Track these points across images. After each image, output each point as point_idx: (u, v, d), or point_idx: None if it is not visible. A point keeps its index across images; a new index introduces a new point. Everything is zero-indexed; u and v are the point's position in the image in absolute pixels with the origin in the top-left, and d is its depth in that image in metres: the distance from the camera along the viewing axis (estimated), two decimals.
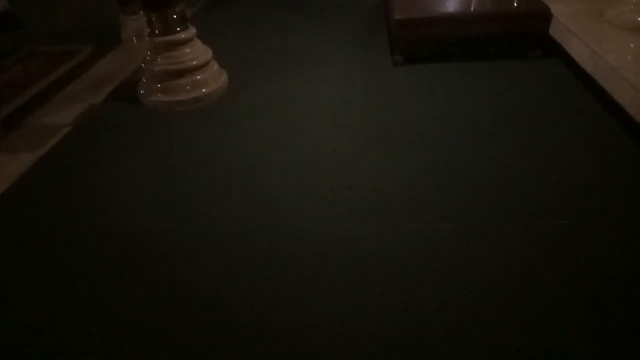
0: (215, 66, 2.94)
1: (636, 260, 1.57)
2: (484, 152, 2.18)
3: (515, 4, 3.16)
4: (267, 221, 1.88)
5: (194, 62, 2.77)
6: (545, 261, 1.59)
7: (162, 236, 1.85)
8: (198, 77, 2.80)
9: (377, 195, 1.96)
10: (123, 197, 2.10)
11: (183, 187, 2.13)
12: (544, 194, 1.89)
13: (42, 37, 3.86)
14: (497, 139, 2.26)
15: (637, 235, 1.67)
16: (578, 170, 2.01)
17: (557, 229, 1.71)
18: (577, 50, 2.65)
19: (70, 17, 3.94)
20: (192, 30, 2.83)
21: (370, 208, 1.90)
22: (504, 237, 1.71)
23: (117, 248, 1.81)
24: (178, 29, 2.75)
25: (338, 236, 1.77)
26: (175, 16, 2.73)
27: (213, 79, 2.87)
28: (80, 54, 3.81)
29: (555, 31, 2.92)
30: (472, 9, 3.18)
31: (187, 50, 2.77)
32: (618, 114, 2.26)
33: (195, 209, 1.99)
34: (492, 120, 2.42)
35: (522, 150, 2.17)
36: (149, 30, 2.79)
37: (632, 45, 2.50)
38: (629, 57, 2.41)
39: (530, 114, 2.44)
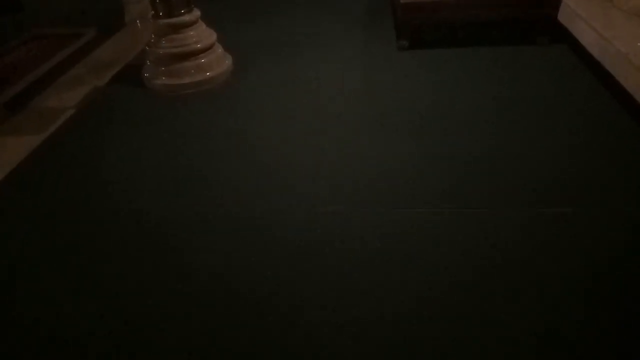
0: (219, 49, 2.92)
1: (637, 249, 1.57)
2: (489, 138, 2.17)
3: None
4: (267, 205, 1.88)
5: (199, 45, 2.75)
6: (546, 248, 1.59)
7: (163, 217, 1.86)
8: (202, 60, 2.78)
9: (379, 179, 1.96)
10: (126, 179, 2.10)
11: (186, 170, 2.13)
12: (548, 181, 1.88)
13: (45, 20, 3.84)
14: (501, 126, 2.25)
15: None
16: (584, 158, 1.99)
17: (561, 217, 1.70)
18: (585, 36, 2.62)
19: (73, 0, 3.92)
20: (197, 13, 2.80)
21: (373, 192, 1.89)
22: (506, 223, 1.70)
23: (118, 229, 1.82)
24: (182, 11, 2.73)
25: (341, 221, 1.77)
26: None
27: (217, 63, 2.85)
28: (84, 37, 3.79)
29: (563, 17, 2.88)
30: None
31: (192, 33, 2.75)
32: (626, 101, 2.24)
33: (198, 191, 1.99)
34: (497, 107, 2.40)
35: (526, 138, 2.15)
36: (152, 12, 2.77)
37: None
38: (638, 44, 2.38)
39: (536, 102, 2.42)
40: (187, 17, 2.73)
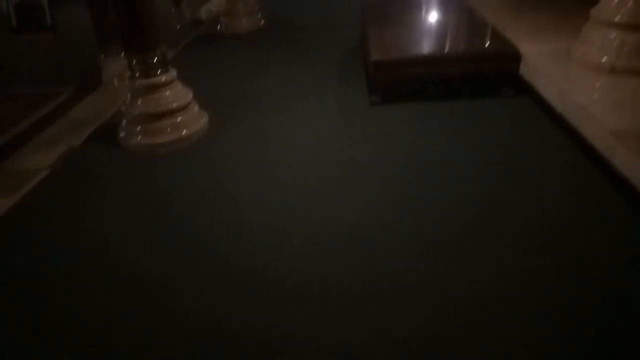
0: (195, 107, 2.97)
1: (615, 300, 1.60)
2: (461, 189, 2.22)
3: (487, 45, 3.28)
4: (248, 260, 1.87)
5: (175, 105, 2.80)
6: (526, 300, 1.60)
7: (140, 278, 1.83)
8: (178, 119, 2.82)
9: (354, 234, 1.97)
10: (100, 243, 2.07)
11: (162, 230, 2.11)
12: (521, 232, 1.92)
13: (22, 79, 3.88)
14: (473, 177, 2.31)
15: (613, 275, 1.70)
16: (556, 209, 2.05)
17: (538, 268, 1.73)
18: (546, 89, 2.75)
19: (51, 59, 3.98)
20: (173, 73, 2.86)
21: (349, 246, 1.90)
22: (483, 275, 1.72)
23: (95, 289, 1.78)
24: (159, 71, 2.79)
25: (319, 274, 1.77)
26: (155, 59, 2.76)
27: (193, 121, 2.89)
28: (60, 96, 3.82)
29: (525, 71, 3.03)
30: (446, 50, 3.30)
31: (168, 93, 2.80)
32: (588, 151, 2.33)
33: (173, 253, 1.97)
34: (467, 158, 2.47)
35: (499, 189, 2.21)
36: (129, 73, 2.82)
37: (598, 85, 2.61)
38: (596, 96, 2.52)
39: (505, 153, 2.50)
40: (163, 78, 2.78)
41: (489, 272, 1.74)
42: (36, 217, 2.31)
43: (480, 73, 3.11)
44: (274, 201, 2.26)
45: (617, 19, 2.60)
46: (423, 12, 4.48)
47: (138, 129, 2.79)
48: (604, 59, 2.65)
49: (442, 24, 4.01)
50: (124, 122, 2.89)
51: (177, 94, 2.85)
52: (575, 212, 2.02)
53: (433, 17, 4.26)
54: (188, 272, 1.86)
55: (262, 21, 5.40)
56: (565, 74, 2.73)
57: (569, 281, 1.67)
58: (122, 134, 2.86)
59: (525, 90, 3.04)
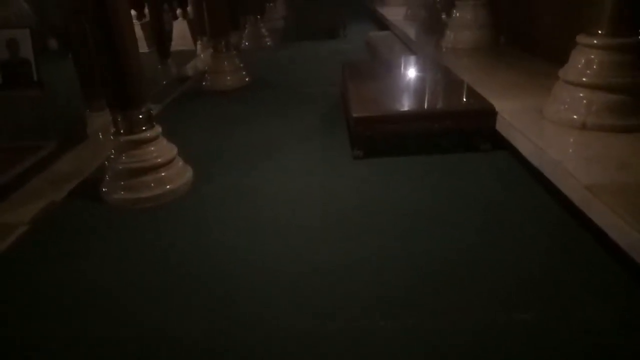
0: (180, 162, 2.99)
1: (599, 357, 1.60)
2: (441, 243, 2.24)
3: (464, 102, 3.42)
4: (226, 321, 1.83)
5: (159, 160, 2.82)
6: (507, 356, 1.59)
7: (116, 344, 1.76)
8: (162, 174, 2.83)
9: (339, 288, 1.96)
10: (79, 303, 2.01)
11: (144, 291, 2.07)
12: (501, 287, 1.93)
13: (5, 133, 3.87)
14: (454, 232, 2.34)
15: (598, 331, 1.71)
16: (536, 263, 2.07)
17: (518, 324, 1.73)
18: (522, 145, 2.86)
19: (36, 114, 3.99)
20: (158, 129, 2.90)
21: (332, 301, 1.88)
22: (464, 331, 1.71)
23: (70, 354, 1.71)
24: (143, 128, 2.82)
25: (303, 334, 1.73)
26: (140, 116, 2.81)
27: (178, 176, 2.90)
28: (42, 149, 3.81)
29: (501, 127, 3.15)
30: (424, 107, 3.42)
31: (152, 149, 2.83)
32: (565, 205, 2.39)
33: (157, 313, 1.92)
34: (447, 212, 2.51)
35: (478, 242, 2.24)
36: (114, 129, 2.85)
37: (570, 140, 2.72)
38: (570, 151, 2.62)
39: (485, 206, 2.55)
40: (148, 134, 2.82)
41: (470, 327, 1.73)
42: (13, 273, 2.24)
43: (458, 129, 3.22)
44: (256, 257, 2.24)
45: (583, 79, 2.75)
46: (401, 70, 4.69)
47: (121, 184, 2.79)
48: (574, 117, 2.77)
49: (420, 81, 4.19)
50: (107, 177, 2.88)
51: (161, 150, 2.87)
52: (556, 266, 2.05)
53: (411, 75, 4.45)
54: (169, 327, 1.82)
55: (247, 78, 5.56)
56: (539, 130, 2.85)
57: (551, 337, 1.67)
58: (104, 189, 2.85)
59: (502, 145, 3.15)
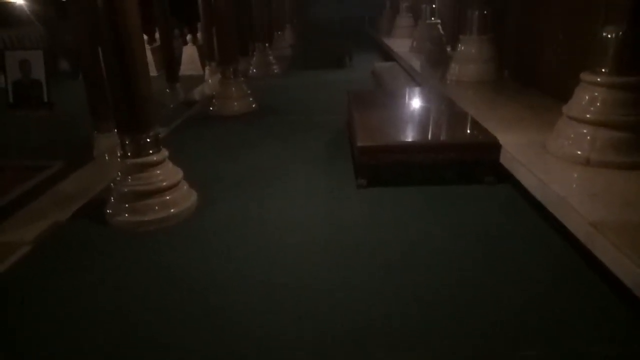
0: (185, 186, 3.00)
1: None
2: (445, 277, 2.23)
3: (468, 135, 3.45)
4: (225, 351, 1.81)
5: (164, 183, 2.83)
6: None
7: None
8: (167, 197, 2.84)
9: (342, 320, 1.94)
10: (78, 323, 2.00)
11: (144, 314, 2.05)
12: (506, 322, 1.91)
13: (14, 153, 3.91)
14: (458, 264, 2.33)
15: None
16: (538, 298, 2.06)
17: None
18: (526, 179, 2.87)
19: (45, 134, 4.05)
20: (164, 153, 2.93)
21: (338, 335, 1.86)
22: None
23: None
24: (150, 151, 2.85)
25: None
26: (148, 140, 2.84)
27: (182, 199, 2.92)
28: (48, 169, 3.84)
29: (505, 160, 3.16)
30: (428, 138, 3.45)
31: (158, 172, 2.85)
32: (569, 240, 2.39)
33: (158, 336, 1.90)
34: (451, 245, 2.51)
35: (482, 277, 2.22)
36: (121, 151, 2.88)
37: (575, 176, 2.73)
38: (574, 187, 2.62)
39: (488, 240, 2.54)
40: (154, 157, 2.84)
41: None
42: (13, 294, 2.23)
43: (462, 161, 3.24)
44: (257, 285, 2.23)
45: (587, 116, 2.78)
46: (406, 101, 4.75)
47: (126, 206, 2.80)
48: (578, 152, 2.79)
49: (425, 112, 4.24)
50: (112, 199, 2.89)
51: (167, 173, 2.89)
52: (560, 302, 2.03)
53: (416, 106, 4.50)
54: (171, 347, 1.79)
55: (254, 105, 5.63)
56: (543, 164, 2.86)
57: None
58: (109, 211, 2.86)
59: (506, 178, 3.16)
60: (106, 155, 4.09)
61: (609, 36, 2.72)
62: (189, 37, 10.15)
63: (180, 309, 2.08)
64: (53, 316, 2.07)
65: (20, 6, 10.00)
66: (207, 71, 8.84)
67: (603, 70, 2.77)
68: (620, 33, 2.68)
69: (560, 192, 2.51)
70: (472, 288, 2.14)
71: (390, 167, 3.30)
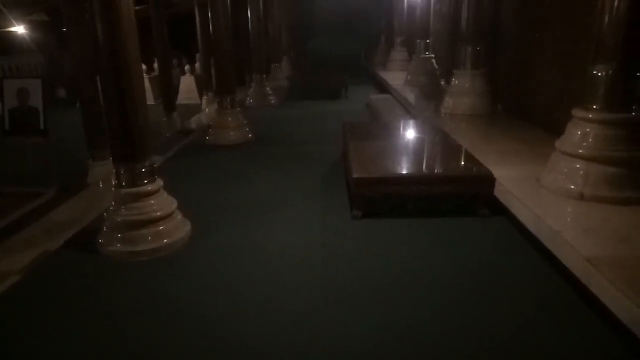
0: (179, 217, 2.98)
1: None
2: (440, 310, 2.20)
3: (462, 168, 3.48)
4: None
5: (158, 213, 2.81)
6: None
7: None
8: (161, 227, 2.81)
9: (335, 350, 1.90)
10: (70, 356, 1.95)
11: (135, 347, 2.00)
12: (498, 356, 1.88)
13: (7, 179, 3.89)
14: (451, 297, 2.30)
15: None
16: (530, 336, 2.02)
17: None
18: (520, 212, 2.87)
19: (40, 161, 4.04)
20: (159, 183, 2.92)
21: None
22: None
23: None
24: (145, 181, 2.84)
25: None
26: (144, 169, 2.83)
27: (176, 230, 2.89)
28: (41, 197, 3.82)
29: (499, 193, 3.18)
30: (423, 170, 3.47)
31: (152, 202, 2.83)
32: (564, 274, 2.38)
33: None
34: (443, 279, 2.48)
35: (476, 311, 2.20)
36: (116, 181, 2.86)
37: (569, 210, 2.74)
38: (568, 220, 2.63)
39: (482, 274, 2.52)
40: (149, 187, 2.83)
41: None
42: (0, 325, 2.18)
43: (457, 193, 3.25)
44: (250, 319, 2.19)
45: (580, 151, 2.81)
46: (401, 133, 4.79)
47: (118, 236, 2.77)
48: (572, 187, 2.81)
49: (420, 145, 4.28)
50: (104, 228, 2.86)
51: (161, 203, 2.88)
52: (554, 339, 2.00)
53: (411, 138, 4.55)
54: None
55: (250, 135, 5.67)
56: (538, 198, 2.87)
57: None
58: (101, 240, 2.82)
59: (500, 211, 3.16)
60: (100, 183, 4.07)
61: (599, 74, 2.78)
62: (187, 66, 10.30)
63: (173, 341, 2.03)
64: (41, 347, 2.02)
65: (21, 35, 10.15)
66: (204, 100, 8.93)
67: (594, 106, 2.82)
68: (611, 71, 2.74)
69: (554, 226, 2.51)
70: (465, 320, 2.11)
71: (385, 199, 3.30)
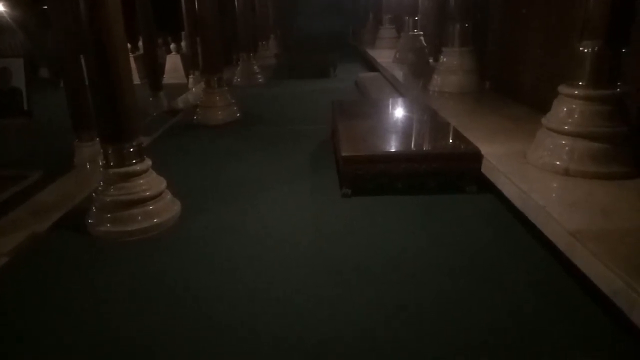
0: (168, 196, 2.98)
1: None
2: (426, 285, 2.25)
3: (450, 145, 3.50)
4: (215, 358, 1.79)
5: (147, 193, 2.81)
6: None
7: None
8: (150, 207, 2.81)
9: (327, 333, 1.94)
10: (59, 337, 1.96)
11: (127, 328, 2.02)
12: (482, 332, 1.93)
13: None
14: (437, 273, 2.34)
15: None
16: (516, 310, 2.07)
17: None
18: (507, 188, 2.91)
19: (25, 142, 3.98)
20: (148, 162, 2.90)
21: (320, 345, 1.86)
22: None
23: None
24: (134, 161, 2.82)
25: None
26: (132, 149, 2.81)
27: (165, 209, 2.89)
28: (27, 179, 3.77)
29: (486, 170, 3.21)
30: (412, 148, 3.49)
31: (141, 182, 2.82)
32: (549, 248, 2.43)
33: (142, 348, 1.88)
34: (431, 254, 2.52)
35: (462, 286, 2.24)
36: (104, 161, 2.84)
37: (554, 185, 2.78)
38: (553, 195, 2.67)
39: (469, 249, 2.57)
40: (138, 167, 2.81)
41: None
42: None
43: (445, 170, 3.28)
44: (240, 297, 2.21)
45: (565, 127, 2.84)
46: (390, 111, 4.79)
47: (108, 216, 2.76)
48: (557, 163, 2.85)
49: (408, 122, 4.29)
50: (93, 209, 2.85)
51: (150, 183, 2.87)
52: (539, 312, 2.05)
53: (399, 116, 4.55)
54: None
55: (238, 114, 5.63)
56: (524, 174, 2.91)
57: None
58: (90, 221, 2.82)
59: (487, 187, 3.20)
60: (87, 164, 4.03)
61: (586, 50, 2.80)
62: (172, 45, 10.12)
63: (163, 320, 2.05)
64: (32, 328, 2.03)
65: (0, 14, 9.86)
66: (190, 80, 8.81)
67: (580, 83, 2.84)
68: (596, 48, 2.76)
69: (540, 201, 2.55)
70: (453, 296, 2.16)
71: (375, 177, 3.32)
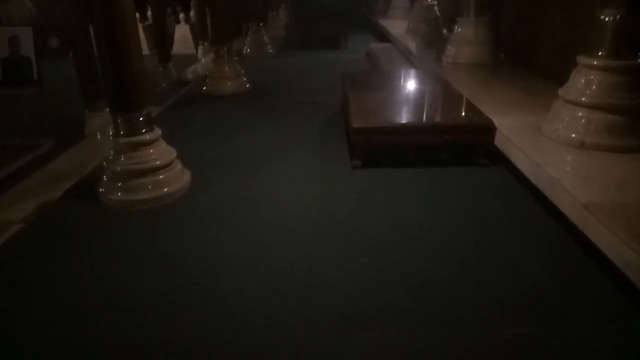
0: (178, 166, 2.98)
1: None
2: (437, 258, 2.24)
3: (463, 117, 3.44)
4: (216, 333, 1.81)
5: (157, 162, 2.81)
6: None
7: (111, 346, 1.75)
8: (161, 176, 2.82)
9: (335, 299, 1.95)
10: (72, 303, 1.99)
11: (137, 293, 2.05)
12: (498, 301, 1.93)
13: (3, 131, 3.85)
14: (448, 246, 2.33)
15: (590, 351, 1.71)
16: (528, 281, 2.07)
17: (518, 338, 1.73)
18: (520, 161, 2.87)
19: (35, 112, 3.98)
20: (158, 132, 2.89)
21: (329, 313, 1.87)
22: (458, 343, 1.71)
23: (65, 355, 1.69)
24: (143, 130, 2.81)
25: (297, 346, 1.72)
26: (141, 118, 2.80)
27: (175, 179, 2.89)
28: (40, 148, 3.79)
29: (500, 142, 3.16)
30: (423, 120, 3.44)
31: (151, 151, 2.82)
32: (562, 221, 2.40)
33: (151, 314, 1.91)
34: (443, 226, 2.51)
35: (474, 258, 2.24)
36: (114, 130, 2.84)
37: (569, 158, 2.73)
38: (567, 168, 2.63)
39: (481, 221, 2.55)
40: (147, 136, 2.81)
41: (468, 342, 1.73)
42: (4, 273, 2.22)
43: (457, 143, 3.24)
44: (250, 263, 2.23)
45: (583, 99, 2.77)
46: (401, 82, 4.72)
47: (119, 185, 2.77)
48: (573, 135, 2.79)
49: (420, 94, 4.21)
50: (104, 178, 2.86)
51: (160, 152, 2.87)
52: (551, 283, 2.05)
53: (411, 87, 4.48)
54: (162, 327, 1.80)
55: (247, 84, 5.57)
56: (538, 147, 2.86)
57: (549, 352, 1.67)
58: (101, 190, 2.83)
59: (500, 160, 3.16)
60: (98, 133, 4.04)
61: (607, 19, 2.71)
62: (181, 15, 9.97)
63: (172, 289, 2.07)
64: (44, 295, 2.06)
65: None
66: (200, 50, 8.71)
67: (600, 53, 2.76)
68: (618, 16, 2.66)
69: (554, 174, 2.51)
70: (464, 268, 2.15)
71: (385, 149, 3.29)
